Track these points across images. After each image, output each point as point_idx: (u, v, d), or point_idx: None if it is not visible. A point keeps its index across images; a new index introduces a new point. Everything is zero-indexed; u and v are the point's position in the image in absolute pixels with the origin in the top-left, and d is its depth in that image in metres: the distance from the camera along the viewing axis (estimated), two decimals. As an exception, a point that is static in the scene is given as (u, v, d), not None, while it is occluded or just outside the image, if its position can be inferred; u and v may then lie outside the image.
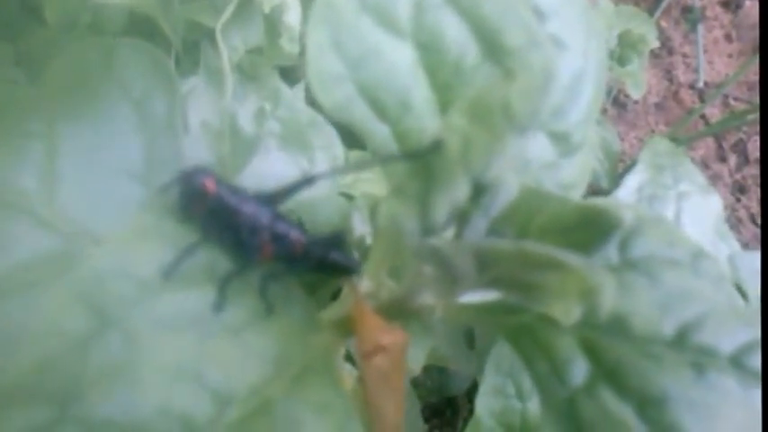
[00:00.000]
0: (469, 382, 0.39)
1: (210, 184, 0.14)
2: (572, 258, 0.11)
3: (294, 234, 0.15)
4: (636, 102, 0.66)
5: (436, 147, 0.12)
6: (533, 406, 0.25)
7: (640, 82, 0.53)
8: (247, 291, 0.13)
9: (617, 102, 0.67)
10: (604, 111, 0.65)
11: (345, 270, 0.16)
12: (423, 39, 0.17)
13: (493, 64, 0.14)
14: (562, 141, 0.18)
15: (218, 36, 0.31)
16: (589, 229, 0.12)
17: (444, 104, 0.17)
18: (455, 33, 0.16)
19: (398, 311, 0.16)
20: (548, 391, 0.13)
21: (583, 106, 0.19)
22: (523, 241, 0.12)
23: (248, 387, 0.11)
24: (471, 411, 0.44)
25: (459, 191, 0.12)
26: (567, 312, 0.12)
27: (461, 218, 0.13)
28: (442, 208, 0.12)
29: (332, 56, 0.16)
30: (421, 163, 0.12)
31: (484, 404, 0.25)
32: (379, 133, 0.17)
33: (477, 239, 0.13)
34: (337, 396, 0.12)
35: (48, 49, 0.39)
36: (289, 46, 0.35)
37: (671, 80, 0.69)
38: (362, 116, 0.16)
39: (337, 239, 0.16)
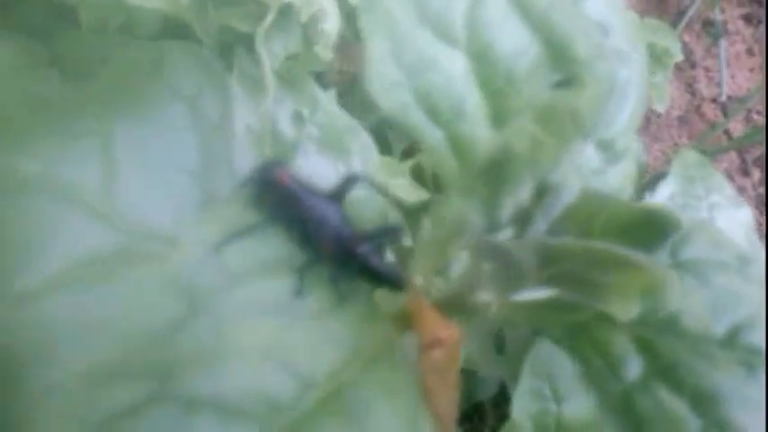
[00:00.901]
0: (495, 388, 0.40)
1: (286, 178, 0.15)
2: (638, 256, 0.11)
3: (351, 236, 0.16)
4: (659, 115, 0.66)
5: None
6: (568, 408, 0.25)
7: (665, 95, 0.54)
8: (319, 282, 0.14)
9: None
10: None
11: (387, 282, 0.17)
12: (475, 49, 0.18)
13: (560, 71, 0.15)
14: (608, 149, 0.19)
15: (259, 42, 0.32)
16: (649, 229, 0.13)
17: (495, 111, 0.18)
18: (509, 43, 0.17)
19: (453, 308, 0.16)
20: (603, 386, 0.14)
21: (627, 115, 0.20)
22: (587, 240, 0.12)
23: (328, 371, 0.12)
24: (498, 418, 0.44)
25: (525, 192, 0.13)
26: (627, 310, 0.13)
27: (523, 217, 0.14)
28: (507, 208, 0.13)
29: (390, 64, 0.17)
30: (490, 165, 0.13)
31: (521, 406, 0.26)
32: (434, 137, 0.17)
33: (538, 238, 0.13)
34: (406, 381, 0.13)
35: (80, 49, 0.40)
36: (323, 53, 0.36)
37: (693, 94, 0.69)
38: (418, 121, 0.17)
39: (390, 234, 0.17)
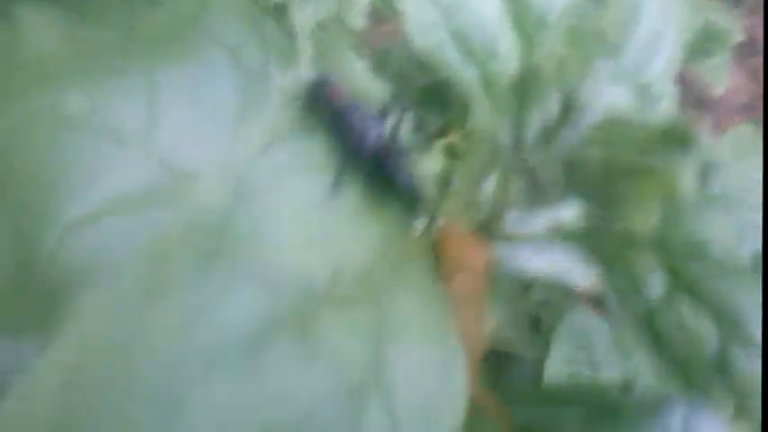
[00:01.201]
0: (531, 379, 0.41)
1: (336, 91, 0.18)
2: (653, 159, 0.13)
3: (385, 150, 0.18)
4: (722, 102, 0.67)
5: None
6: (603, 375, 0.27)
7: (722, 76, 0.55)
8: (354, 188, 0.16)
9: (701, 101, 0.68)
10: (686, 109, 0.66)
11: (408, 198, 0.19)
12: (510, -9, 0.20)
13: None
14: (644, 93, 0.21)
15: (294, 9, 0.35)
16: (670, 142, 0.14)
17: (527, 52, 0.20)
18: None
19: (481, 235, 0.18)
20: (626, 302, 0.16)
21: (661, 62, 0.21)
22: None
23: (359, 265, 0.14)
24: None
25: (551, 108, 0.15)
26: (646, 220, 0.15)
27: (549, 135, 0.16)
28: (534, 123, 0.15)
29: (428, 6, 0.20)
30: (518, 81, 0.15)
31: (554, 372, 0.27)
32: (467, 75, 0.19)
33: (563, 150, 0.15)
34: (434, 287, 0.15)
35: (104, 14, 0.44)
36: (355, 21, 0.39)
37: (758, 81, 0.70)
38: (452, 59, 0.19)
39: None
